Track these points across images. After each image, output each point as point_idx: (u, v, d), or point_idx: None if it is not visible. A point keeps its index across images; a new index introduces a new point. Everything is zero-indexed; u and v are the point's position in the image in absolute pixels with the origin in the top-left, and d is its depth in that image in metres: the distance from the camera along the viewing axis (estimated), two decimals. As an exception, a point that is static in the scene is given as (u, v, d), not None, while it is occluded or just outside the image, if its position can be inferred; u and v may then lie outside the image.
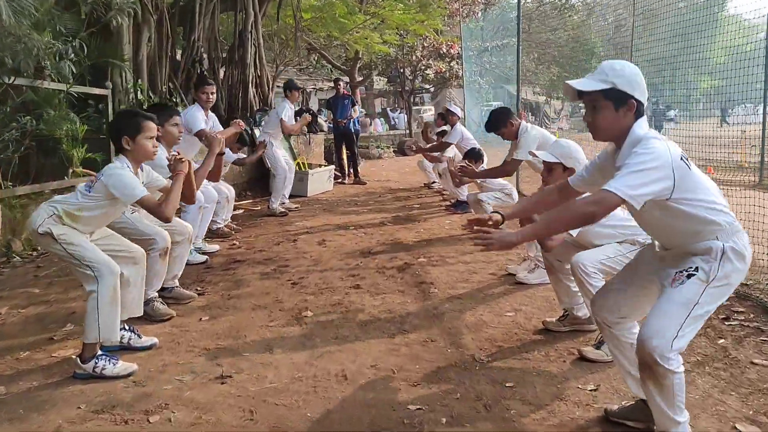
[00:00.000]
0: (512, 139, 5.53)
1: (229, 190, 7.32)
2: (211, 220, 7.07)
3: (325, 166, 11.47)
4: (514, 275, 5.25)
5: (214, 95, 6.37)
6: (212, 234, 7.08)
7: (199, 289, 5.01)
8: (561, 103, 37.40)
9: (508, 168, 5.93)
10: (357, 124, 12.62)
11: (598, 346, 3.52)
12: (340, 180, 12.34)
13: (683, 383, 2.36)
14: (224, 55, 12.01)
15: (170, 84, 10.63)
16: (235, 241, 6.83)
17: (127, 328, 3.71)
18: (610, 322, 2.75)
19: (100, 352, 3.34)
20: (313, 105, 30.27)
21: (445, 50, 20.48)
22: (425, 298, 4.74)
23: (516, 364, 3.47)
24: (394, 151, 19.99)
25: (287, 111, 9.07)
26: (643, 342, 2.33)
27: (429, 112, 33.28)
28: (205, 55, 11.34)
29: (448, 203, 9.48)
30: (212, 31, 11.46)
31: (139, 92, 9.49)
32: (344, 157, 12.65)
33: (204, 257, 5.97)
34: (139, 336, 3.74)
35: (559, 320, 4.01)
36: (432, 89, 26.08)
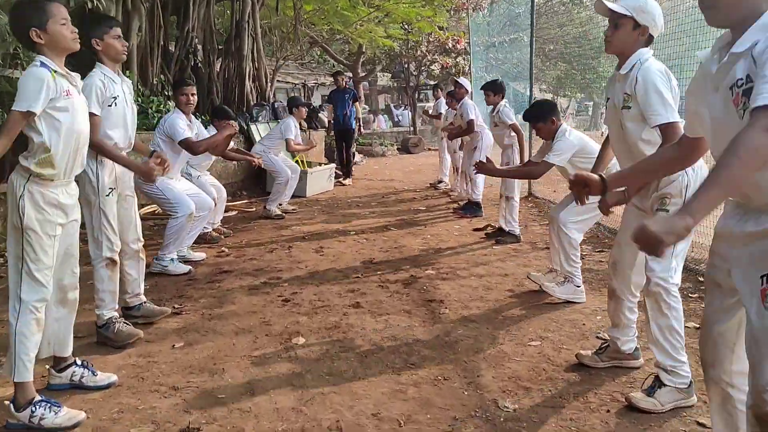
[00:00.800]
0: (547, 139, 4.85)
1: (220, 192, 6.70)
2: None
3: (326, 164, 10.83)
4: (535, 285, 4.62)
5: (195, 97, 5.68)
6: (199, 239, 6.45)
7: (177, 306, 4.38)
8: (567, 101, 36.73)
9: (535, 170, 5.21)
10: (351, 121, 11.51)
11: (650, 391, 2.88)
12: (340, 180, 11.69)
13: None
14: (220, 46, 11.36)
15: (162, 76, 9.99)
16: (224, 248, 6.19)
17: (78, 363, 3.08)
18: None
19: (38, 397, 2.71)
20: (316, 100, 29.63)
21: (451, 45, 19.79)
22: (435, 320, 4.10)
23: (549, 415, 2.82)
24: (398, 149, 19.34)
25: (293, 129, 8.32)
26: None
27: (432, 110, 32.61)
28: (199, 47, 10.69)
29: (456, 206, 8.83)
30: (207, 21, 10.82)
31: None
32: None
33: (187, 267, 5.33)
34: (93, 372, 3.10)
35: (597, 353, 3.36)
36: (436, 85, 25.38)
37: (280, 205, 8.30)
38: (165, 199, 5.26)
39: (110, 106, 3.60)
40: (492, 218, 7.85)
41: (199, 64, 10.71)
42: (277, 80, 16.95)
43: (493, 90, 6.76)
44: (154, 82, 9.74)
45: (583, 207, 2.91)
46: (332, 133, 12.55)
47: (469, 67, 20.14)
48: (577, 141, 4.59)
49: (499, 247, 6.23)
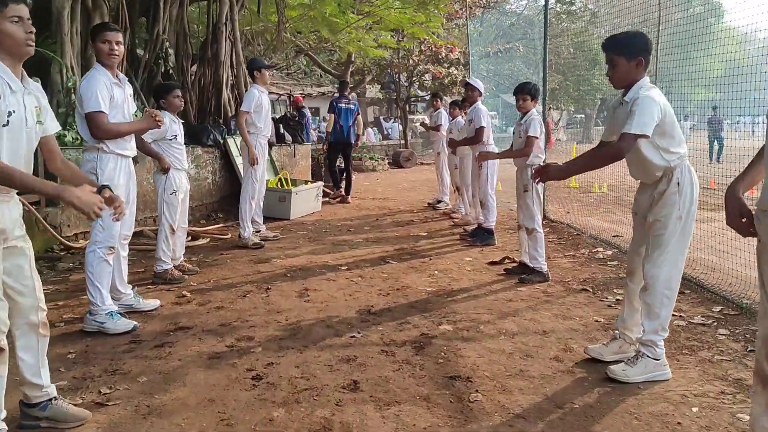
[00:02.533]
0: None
1: (184, 220, 5.47)
2: (158, 260, 5.21)
3: (312, 182, 9.60)
4: (598, 362, 3.42)
5: (121, 47, 4.28)
6: (157, 278, 5.20)
7: (104, 391, 3.12)
8: (559, 114, 35.71)
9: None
10: (352, 134, 10.50)
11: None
12: (329, 199, 10.47)
13: None
14: (195, 52, 10.14)
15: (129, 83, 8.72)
16: (185, 292, 4.93)
17: None
18: None
19: None
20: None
21: (443, 54, 18.69)
22: (465, 414, 2.88)
23: None
24: (388, 163, 18.16)
25: (256, 98, 6.68)
26: None
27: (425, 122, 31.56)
28: (171, 51, 9.46)
29: (463, 230, 7.63)
30: (180, 24, 9.60)
31: (83, 92, 7.59)
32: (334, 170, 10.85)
33: (130, 324, 4.06)
34: None
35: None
36: (428, 97, 24.28)
37: (258, 231, 7.06)
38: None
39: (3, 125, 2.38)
40: (508, 247, 6.65)
41: (171, 71, 9.48)
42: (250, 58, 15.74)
43: (531, 94, 5.46)
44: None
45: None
46: (323, 146, 11.30)
47: (464, 78, 19.07)
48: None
49: (524, 289, 5.03)
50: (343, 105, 10.40)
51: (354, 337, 3.90)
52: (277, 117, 11.15)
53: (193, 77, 9.93)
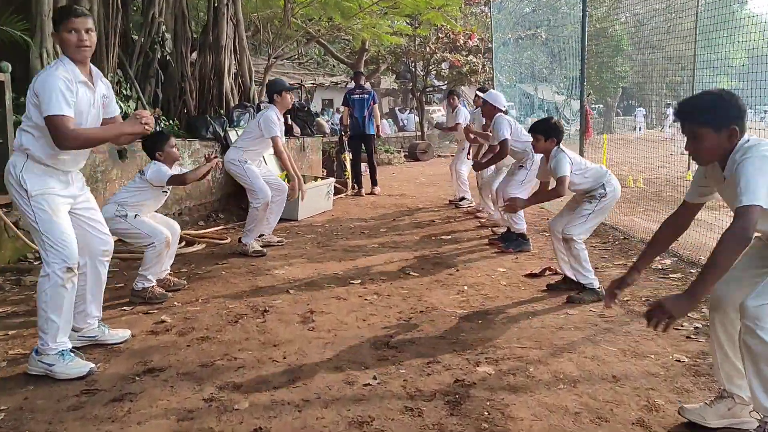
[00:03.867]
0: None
1: (172, 229, 4.60)
2: (140, 276, 4.36)
3: (322, 178, 8.70)
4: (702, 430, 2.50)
5: (93, 35, 3.29)
6: (135, 297, 4.34)
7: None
8: (579, 104, 34.46)
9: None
10: (371, 125, 9.99)
11: None
12: (343, 195, 9.59)
13: None
14: (195, 36, 9.25)
15: (120, 71, 7.89)
16: (165, 317, 4.05)
17: None
18: None
19: None
20: (316, 104, 27.63)
21: (462, 42, 17.67)
22: None
23: None
24: (404, 156, 17.22)
25: (276, 123, 5.87)
26: None
27: (439, 113, 30.58)
28: (168, 36, 8.59)
29: (491, 233, 6.71)
30: (179, 6, 8.71)
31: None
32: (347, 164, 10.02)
33: (86, 368, 3.17)
34: None
35: None
36: (444, 87, 23.26)
37: (262, 236, 6.18)
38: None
39: None
40: (545, 254, 5.72)
41: (168, 57, 8.62)
42: (269, 80, 14.86)
43: (544, 132, 4.48)
44: (110, 77, 7.62)
45: None
46: (342, 137, 10.49)
47: (483, 66, 18.07)
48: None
49: (575, 312, 4.10)
50: (356, 96, 9.91)
51: (369, 385, 3.00)
52: (308, 108, 10.26)
53: (193, 64, 9.05)
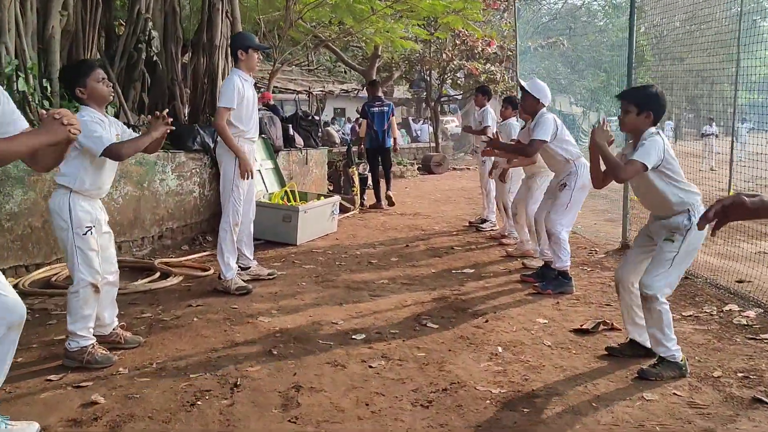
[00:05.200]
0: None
1: (110, 269, 3.56)
2: (72, 333, 3.31)
3: (326, 196, 7.63)
4: None
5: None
6: (69, 360, 3.29)
7: None
8: (597, 116, 33.20)
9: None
10: (388, 138, 9.39)
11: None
12: (350, 214, 8.54)
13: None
14: (187, 35, 8.25)
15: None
16: (98, 396, 2.98)
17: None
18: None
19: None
20: (328, 113, 26.71)
21: (480, 49, 16.60)
22: None
23: None
24: (418, 168, 16.14)
25: (233, 91, 4.66)
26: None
27: (453, 123, 29.51)
28: (155, 33, 7.59)
29: (522, 266, 5.63)
30: (168, 1, 7.71)
31: (30, 78, 5.78)
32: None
33: None
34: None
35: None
36: (460, 97, 22.22)
37: (247, 268, 5.12)
38: None
39: None
40: (591, 296, 4.62)
41: (155, 57, 7.62)
42: (275, 86, 13.90)
43: (639, 101, 3.23)
44: (85, 80, 6.62)
45: None
46: (359, 147, 9.54)
47: (503, 76, 17.01)
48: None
49: (654, 396, 3.00)
50: (376, 109, 9.14)
51: None
52: (287, 116, 9.22)
53: (184, 67, 8.05)
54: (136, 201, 6.00)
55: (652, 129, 3.21)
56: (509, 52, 17.49)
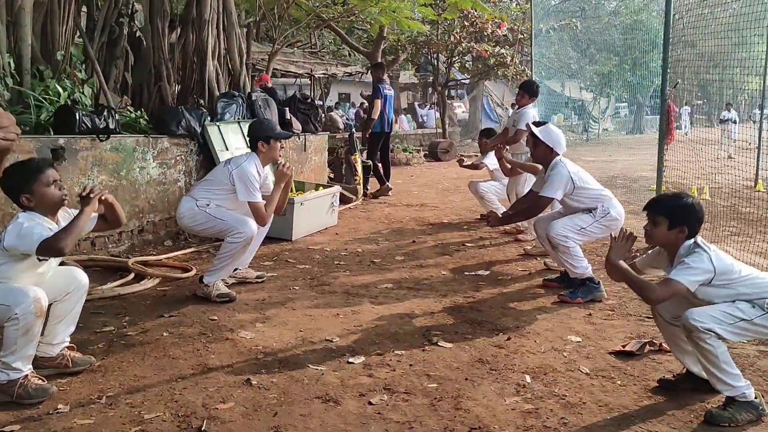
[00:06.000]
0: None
1: (62, 287, 2.90)
2: (3, 365, 2.65)
3: (326, 186, 6.95)
4: None
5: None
6: (6, 390, 2.64)
7: None
8: (607, 102, 32.25)
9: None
10: (377, 124, 8.78)
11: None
12: (351, 205, 7.88)
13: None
14: (175, 10, 7.55)
15: (73, 49, 6.22)
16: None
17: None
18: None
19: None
20: (333, 98, 25.96)
21: (490, 31, 15.80)
22: None
23: None
24: (424, 155, 15.44)
25: (255, 183, 4.09)
26: None
27: (460, 109, 28.69)
28: (139, 7, 6.91)
29: (545, 267, 4.96)
30: (154, -28, 7.00)
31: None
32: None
33: None
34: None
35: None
36: (467, 81, 21.42)
37: (236, 270, 4.46)
38: None
39: None
40: (627, 306, 3.95)
41: (139, 33, 6.94)
42: (275, 69, 13.16)
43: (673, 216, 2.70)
44: (59, 57, 5.96)
45: None
46: (367, 135, 8.87)
47: (512, 59, 16.22)
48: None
49: (733, 450, 2.34)
50: (387, 91, 8.73)
51: None
52: (284, 99, 8.52)
53: (172, 44, 7.35)
54: (112, 191, 5.28)
55: (690, 242, 2.67)
56: (520, 35, 16.71)
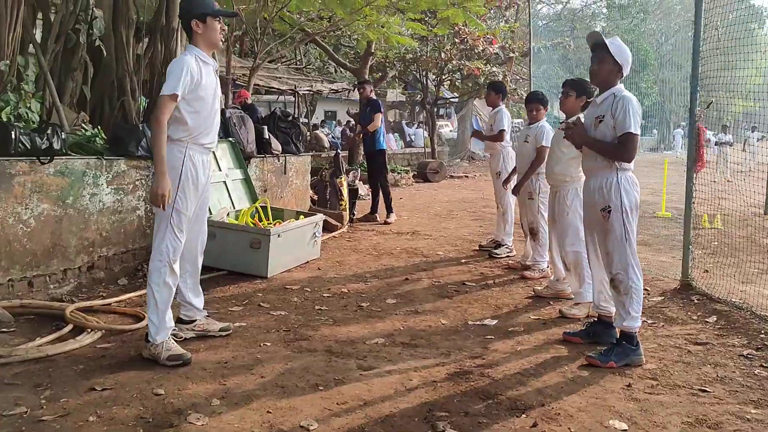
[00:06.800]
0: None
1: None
2: None
3: (307, 214, 6.15)
4: None
5: None
6: None
7: None
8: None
9: None
10: (381, 141, 8.21)
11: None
12: (337, 233, 7.10)
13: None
14: (142, 17, 6.77)
15: (21, 57, 5.43)
16: None
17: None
18: None
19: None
20: (318, 116, 25.26)
21: (480, 49, 15.19)
22: None
23: None
24: (413, 176, 14.72)
25: (193, 71, 3.29)
26: None
27: (447, 128, 28.09)
28: (99, 12, 6.14)
29: (560, 315, 4.20)
30: (118, -26, 6.24)
31: None
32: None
33: None
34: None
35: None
36: (456, 100, 20.81)
37: (191, 323, 3.66)
38: None
39: None
40: (672, 370, 3.19)
41: (99, 41, 6.16)
42: (257, 85, 12.43)
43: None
44: (2, 67, 5.16)
45: None
46: (344, 155, 8.22)
47: (505, 77, 15.62)
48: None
49: None
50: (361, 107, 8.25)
51: None
52: (263, 116, 7.76)
53: (139, 55, 6.57)
54: (56, 222, 4.52)
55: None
56: (511, 54, 16.13)
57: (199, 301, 3.77)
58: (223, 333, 3.75)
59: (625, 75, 3.50)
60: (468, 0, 11.40)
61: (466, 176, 16.36)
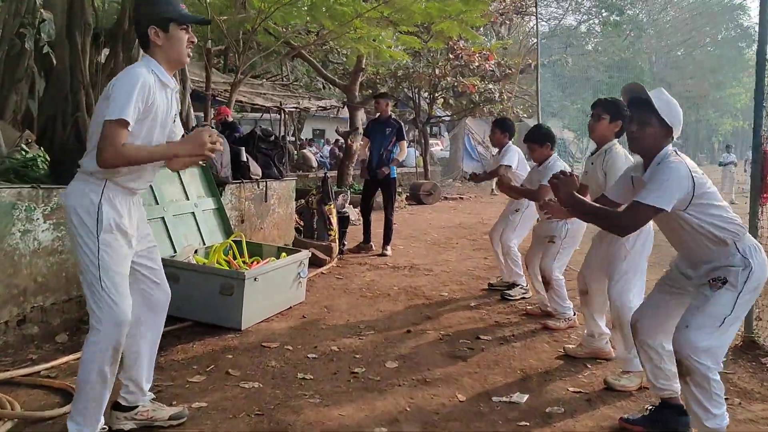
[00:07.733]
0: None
1: None
2: None
3: (290, 251, 5.22)
4: None
5: None
6: None
7: None
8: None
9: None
10: (394, 167, 7.47)
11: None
12: (325, 269, 6.20)
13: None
14: (102, 25, 5.88)
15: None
16: None
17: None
18: None
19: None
20: (307, 134, 24.47)
21: (476, 64, 14.44)
22: None
23: None
24: (406, 198, 13.86)
25: (146, 90, 2.41)
26: None
27: (437, 147, 27.40)
28: (48, 15, 5.26)
29: (606, 391, 3.30)
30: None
31: None
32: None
33: None
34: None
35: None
36: (448, 118, 20.08)
37: (132, 410, 2.74)
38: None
39: None
40: None
41: (47, 49, 5.27)
42: (240, 102, 11.56)
43: None
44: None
45: None
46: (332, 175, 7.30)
47: (501, 95, 14.89)
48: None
49: None
50: (377, 127, 7.35)
51: None
52: (241, 136, 6.88)
53: (96, 65, 5.68)
54: (-27, 269, 3.60)
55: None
56: (508, 70, 15.42)
57: (146, 379, 2.85)
58: (174, 422, 2.83)
59: (675, 138, 2.65)
60: (465, 11, 10.65)
61: (461, 197, 15.54)
